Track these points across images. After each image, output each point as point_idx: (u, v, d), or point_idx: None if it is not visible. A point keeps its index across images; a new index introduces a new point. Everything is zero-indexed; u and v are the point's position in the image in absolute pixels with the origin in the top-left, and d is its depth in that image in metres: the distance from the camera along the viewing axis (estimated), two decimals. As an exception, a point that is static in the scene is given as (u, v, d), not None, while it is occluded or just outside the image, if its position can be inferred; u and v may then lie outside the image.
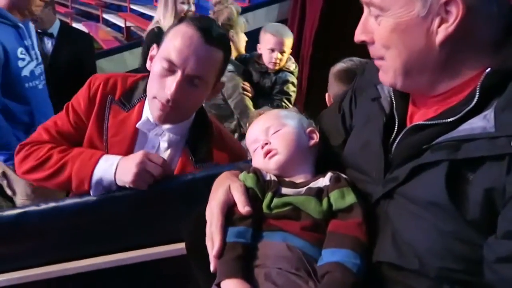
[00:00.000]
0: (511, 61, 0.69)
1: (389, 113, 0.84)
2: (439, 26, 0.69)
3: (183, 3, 2.84)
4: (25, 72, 2.03)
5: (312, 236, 0.81)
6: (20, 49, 1.99)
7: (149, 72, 1.22)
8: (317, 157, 0.98)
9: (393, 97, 0.84)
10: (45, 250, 1.18)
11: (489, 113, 0.67)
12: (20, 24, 2.03)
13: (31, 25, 2.17)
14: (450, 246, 0.69)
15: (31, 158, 1.22)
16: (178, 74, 1.13)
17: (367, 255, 0.78)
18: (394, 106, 0.84)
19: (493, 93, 0.69)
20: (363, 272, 0.76)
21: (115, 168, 1.14)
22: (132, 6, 9.00)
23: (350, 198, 0.83)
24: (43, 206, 1.16)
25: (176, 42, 1.14)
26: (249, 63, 2.66)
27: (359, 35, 0.78)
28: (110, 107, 1.24)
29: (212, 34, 1.15)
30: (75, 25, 5.52)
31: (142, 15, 8.72)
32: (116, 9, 9.68)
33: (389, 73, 0.77)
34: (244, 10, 4.36)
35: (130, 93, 1.26)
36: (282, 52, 2.55)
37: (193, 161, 1.25)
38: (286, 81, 2.63)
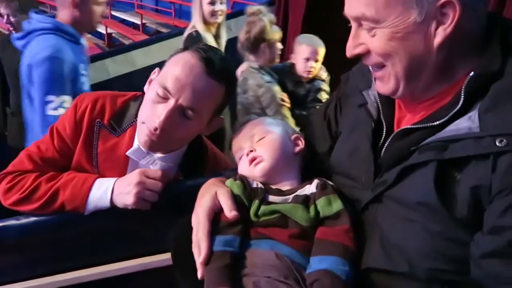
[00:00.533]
0: (492, 64, 0.71)
1: (376, 119, 0.85)
2: (436, 28, 0.70)
3: (210, 3, 2.71)
4: (85, 87, 2.00)
5: (300, 244, 0.81)
6: (81, 65, 1.96)
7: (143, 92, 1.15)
8: (303, 164, 0.99)
9: (379, 103, 0.85)
10: (26, 265, 1.15)
11: (474, 114, 0.69)
12: (81, 41, 1.99)
13: (84, 40, 2.14)
14: (439, 246, 0.70)
15: (16, 190, 1.13)
16: (171, 102, 1.03)
17: (355, 262, 0.78)
18: (381, 111, 0.85)
19: (477, 95, 0.70)
20: (352, 279, 0.76)
21: (110, 194, 1.09)
22: (113, 13, 8.94)
23: (337, 205, 0.83)
24: (23, 221, 1.12)
25: (175, 70, 1.05)
26: (282, 73, 2.70)
27: (352, 50, 0.78)
28: (99, 132, 1.15)
29: (216, 67, 1.05)
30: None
31: (123, 21, 8.67)
32: (97, 15, 9.58)
33: (390, 81, 0.77)
34: (227, 17, 4.39)
35: (120, 115, 1.17)
36: (316, 61, 2.62)
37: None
38: (320, 89, 2.68)
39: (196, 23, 2.79)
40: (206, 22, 2.79)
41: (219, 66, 1.06)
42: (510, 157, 0.64)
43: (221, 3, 2.77)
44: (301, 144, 0.98)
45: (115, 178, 1.11)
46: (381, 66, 0.77)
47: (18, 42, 1.91)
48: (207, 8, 2.73)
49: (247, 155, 0.94)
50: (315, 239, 0.81)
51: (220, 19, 2.83)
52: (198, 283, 0.82)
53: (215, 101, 1.08)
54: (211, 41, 2.78)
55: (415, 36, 0.71)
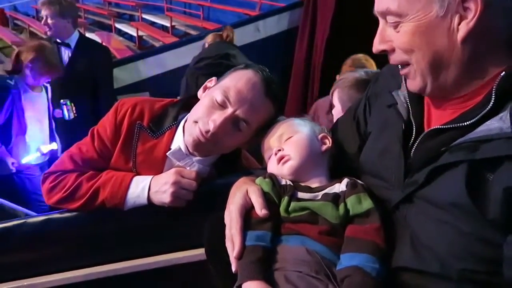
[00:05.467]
0: None
1: (406, 119, 0.86)
2: (459, 23, 0.70)
3: None
4: None
5: (330, 240, 0.83)
6: None
7: (177, 97, 1.23)
8: (332, 164, 1.01)
9: (409, 103, 0.86)
10: (68, 257, 1.21)
11: (505, 115, 0.69)
12: None
13: None
14: (471, 247, 0.70)
15: (59, 189, 1.19)
16: (228, 111, 1.10)
17: (385, 260, 0.79)
18: (411, 111, 0.85)
19: (509, 95, 0.70)
20: (382, 276, 0.77)
21: (147, 192, 1.14)
22: (144, 16, 9.14)
23: (367, 204, 0.85)
24: (67, 214, 1.19)
25: (238, 83, 1.12)
26: None
27: (377, 45, 0.79)
28: (138, 134, 1.21)
29: (273, 90, 1.14)
30: (88, 35, 5.62)
31: (153, 24, 8.85)
32: (128, 18, 9.84)
33: (417, 78, 0.78)
34: (255, 19, 4.43)
35: (159, 119, 1.23)
36: None
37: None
38: None
39: None
40: None
41: (275, 90, 1.15)
42: None
43: None
44: (328, 142, 1.00)
45: (151, 176, 1.16)
46: (406, 64, 0.78)
47: None
48: None
49: (276, 154, 0.97)
50: (345, 236, 0.83)
51: None
52: (231, 276, 0.85)
53: (266, 120, 1.14)
54: None
55: (438, 31, 0.71)
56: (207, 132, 1.10)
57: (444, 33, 0.71)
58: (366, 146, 0.96)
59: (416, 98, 0.85)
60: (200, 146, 1.14)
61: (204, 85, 1.21)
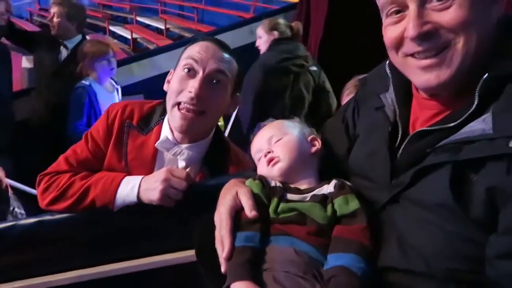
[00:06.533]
0: (508, 66, 0.72)
1: (393, 121, 0.87)
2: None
3: None
4: None
5: (318, 240, 0.84)
6: None
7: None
8: (321, 165, 1.02)
9: (396, 106, 0.88)
10: (60, 259, 1.22)
11: (488, 116, 0.70)
12: None
13: None
14: (456, 247, 0.71)
15: (52, 189, 1.22)
16: (200, 72, 1.20)
17: (372, 260, 0.81)
18: (398, 114, 0.87)
19: (491, 96, 0.72)
20: (368, 276, 0.78)
21: (137, 190, 1.16)
22: (138, 18, 9.14)
23: (354, 204, 0.86)
24: (58, 216, 1.20)
25: (195, 49, 1.23)
26: None
27: (419, 28, 0.74)
28: (128, 132, 1.27)
29: (226, 45, 1.26)
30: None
31: (147, 26, 8.85)
32: (123, 21, 9.84)
33: (452, 64, 0.74)
34: (249, 21, 4.44)
35: (148, 117, 1.30)
36: None
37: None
38: None
39: None
40: None
41: (228, 46, 1.28)
42: None
43: None
44: (318, 144, 1.02)
45: (142, 176, 1.18)
46: (442, 49, 0.75)
47: None
48: None
49: (265, 156, 0.98)
50: (333, 237, 0.84)
51: None
52: (221, 277, 0.86)
53: (233, 72, 1.26)
54: None
55: (489, 9, 0.73)
56: (191, 99, 1.18)
57: (490, 14, 0.73)
58: (354, 148, 0.98)
59: (403, 101, 0.87)
60: (191, 125, 1.20)
61: (166, 79, 1.30)
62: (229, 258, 0.84)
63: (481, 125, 0.70)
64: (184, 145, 1.26)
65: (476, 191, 0.69)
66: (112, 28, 9.15)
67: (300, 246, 0.83)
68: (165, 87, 1.29)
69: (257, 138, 1.05)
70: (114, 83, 2.88)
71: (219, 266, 0.87)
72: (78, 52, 2.76)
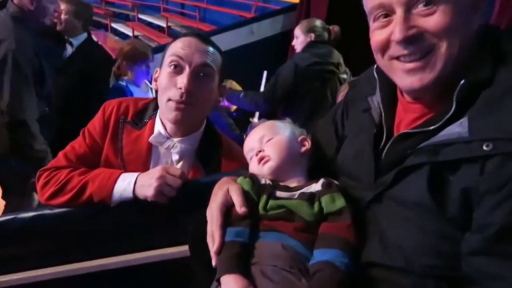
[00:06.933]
0: (482, 72, 0.76)
1: (378, 123, 0.91)
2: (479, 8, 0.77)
3: None
4: None
5: (304, 236, 0.88)
6: None
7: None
8: (311, 165, 1.05)
9: (382, 108, 0.91)
10: (57, 252, 1.25)
11: (464, 120, 0.74)
12: None
13: None
14: (434, 244, 0.75)
15: (51, 184, 1.26)
16: (186, 68, 1.25)
17: (356, 255, 0.84)
18: (383, 116, 0.91)
19: (468, 101, 0.76)
20: (352, 270, 0.82)
21: (133, 186, 1.19)
22: (140, 16, 9.16)
23: (340, 202, 0.89)
24: (57, 210, 1.23)
25: (178, 45, 1.28)
26: None
27: (405, 31, 0.78)
28: (123, 127, 1.33)
29: (208, 38, 1.31)
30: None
31: (149, 24, 8.87)
32: (125, 18, 9.85)
33: (435, 68, 0.78)
34: (250, 21, 4.48)
35: (142, 113, 1.36)
36: None
37: (203, 173, 1.32)
38: None
39: None
40: None
41: (209, 39, 1.32)
42: (496, 161, 0.69)
43: None
44: (308, 144, 1.05)
45: (138, 173, 1.22)
46: (426, 53, 0.78)
47: None
48: None
49: (257, 155, 1.02)
50: (319, 233, 0.88)
51: None
52: (212, 271, 0.90)
53: (218, 63, 1.31)
54: None
55: (470, 15, 0.77)
56: (182, 95, 1.23)
57: (471, 19, 0.77)
58: (342, 148, 1.01)
59: (389, 104, 0.90)
60: (183, 116, 1.25)
61: (153, 78, 1.36)
62: (219, 252, 0.88)
63: (458, 128, 0.74)
64: (177, 139, 1.32)
65: (452, 191, 0.73)
66: (114, 25, 9.17)
67: (288, 242, 0.87)
68: (153, 86, 1.36)
69: (249, 138, 1.08)
70: (148, 83, 2.95)
71: (210, 260, 0.90)
72: (118, 52, 2.84)
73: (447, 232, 0.74)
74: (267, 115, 2.95)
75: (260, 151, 1.02)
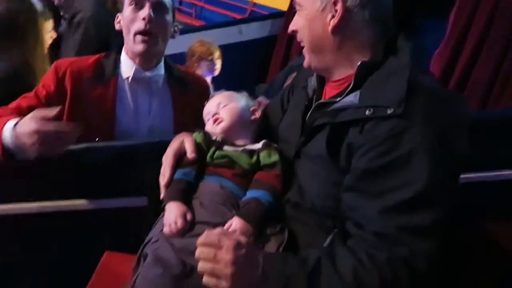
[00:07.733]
0: (374, 58, 0.98)
1: (311, 98, 1.11)
2: (330, 19, 0.98)
3: None
4: None
5: (241, 181, 1.07)
6: None
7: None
8: (259, 131, 1.24)
9: (315, 85, 1.11)
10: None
11: (357, 92, 0.95)
12: None
13: None
14: (329, 189, 0.96)
15: None
16: (146, 4, 1.43)
17: (279, 199, 1.04)
18: (316, 92, 1.10)
19: (363, 79, 0.96)
20: (273, 208, 1.02)
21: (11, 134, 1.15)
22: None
23: (275, 157, 1.09)
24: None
25: None
26: None
27: (291, 26, 1.06)
28: (87, 85, 1.44)
29: None
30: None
31: (146, 17, 9.01)
32: (122, 8, 9.93)
33: (306, 54, 1.04)
34: (239, 22, 4.67)
35: (100, 70, 1.49)
36: None
37: (183, 90, 1.57)
38: None
39: None
40: None
41: None
42: (372, 123, 0.89)
43: None
44: (257, 114, 1.24)
45: (16, 120, 1.18)
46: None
47: None
48: None
49: (213, 116, 1.20)
50: (253, 179, 1.07)
51: None
52: (161, 207, 1.07)
53: (171, 2, 1.50)
54: None
55: (317, 20, 0.99)
56: (146, 25, 1.42)
57: (321, 23, 0.99)
58: (283, 119, 1.22)
59: (320, 82, 1.11)
60: (149, 46, 1.44)
61: (116, 22, 1.52)
62: (167, 187, 1.06)
63: (352, 98, 0.95)
64: (148, 72, 1.50)
65: (343, 146, 0.93)
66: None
67: (226, 184, 1.06)
68: (117, 27, 1.50)
69: (208, 104, 1.26)
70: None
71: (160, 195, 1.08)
72: (188, 50, 3.06)
73: (339, 180, 0.94)
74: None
75: (216, 113, 1.20)
